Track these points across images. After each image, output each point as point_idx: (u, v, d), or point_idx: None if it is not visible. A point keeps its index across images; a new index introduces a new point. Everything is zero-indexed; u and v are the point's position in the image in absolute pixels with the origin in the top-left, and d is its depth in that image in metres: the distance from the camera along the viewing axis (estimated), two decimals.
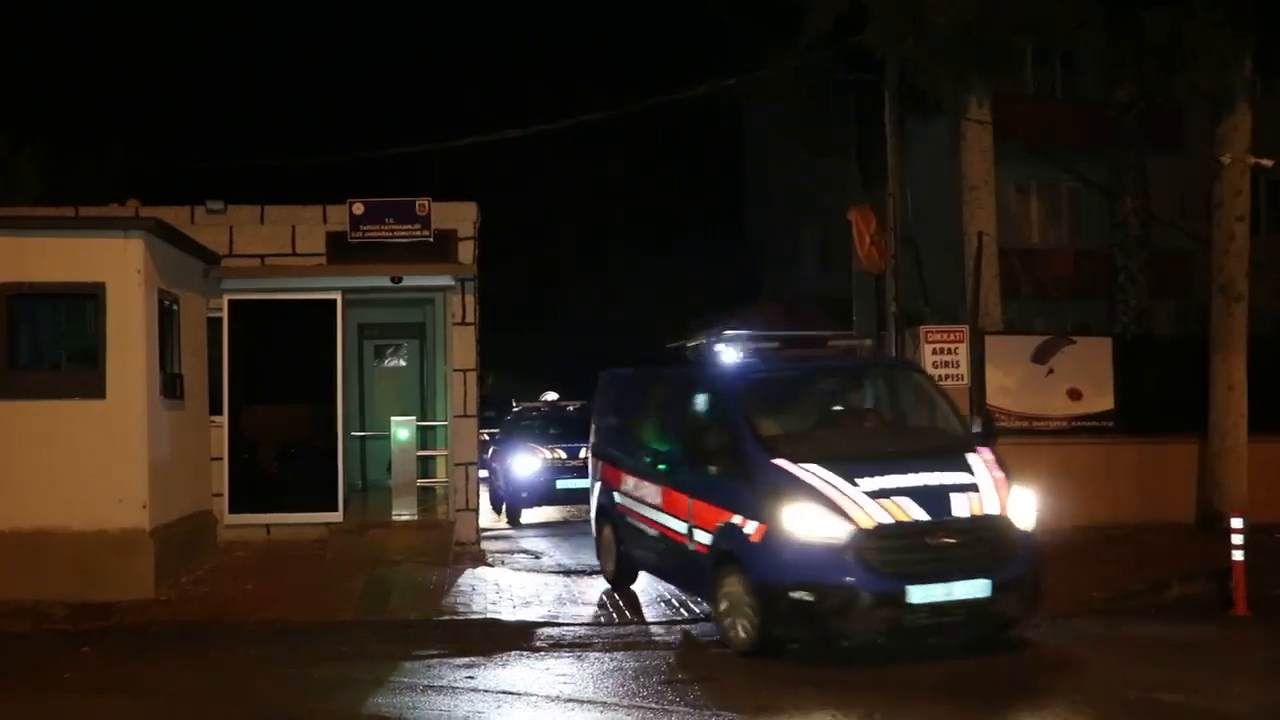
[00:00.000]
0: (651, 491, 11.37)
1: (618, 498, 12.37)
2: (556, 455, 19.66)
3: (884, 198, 16.93)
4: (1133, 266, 19.14)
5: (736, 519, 9.56)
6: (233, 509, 14.71)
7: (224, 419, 14.73)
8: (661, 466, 11.26)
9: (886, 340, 16.69)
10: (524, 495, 19.57)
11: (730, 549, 9.64)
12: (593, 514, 13.42)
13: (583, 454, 18.80)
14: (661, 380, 12.58)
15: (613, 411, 13.28)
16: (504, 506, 20.28)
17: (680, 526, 10.59)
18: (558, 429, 21.03)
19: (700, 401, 10.98)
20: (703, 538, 10.13)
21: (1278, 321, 22.87)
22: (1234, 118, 15.49)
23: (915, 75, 17.34)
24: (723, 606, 9.77)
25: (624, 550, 12.31)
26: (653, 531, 11.35)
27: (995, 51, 16.50)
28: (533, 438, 20.39)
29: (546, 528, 18.97)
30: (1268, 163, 15.55)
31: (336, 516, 14.75)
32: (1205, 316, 16.00)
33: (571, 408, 22.57)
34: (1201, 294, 16.89)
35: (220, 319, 14.83)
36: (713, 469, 10.03)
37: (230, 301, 14.79)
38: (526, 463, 19.60)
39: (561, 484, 19.37)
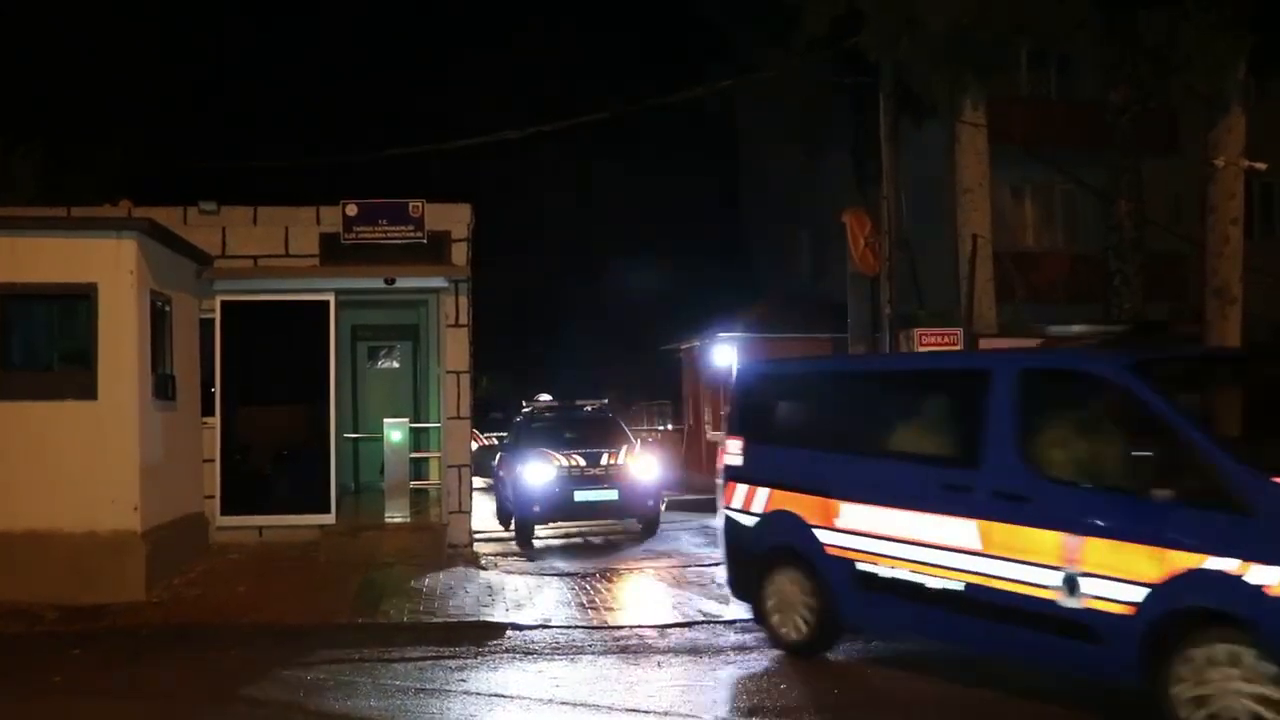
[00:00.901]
0: (944, 527, 8.31)
1: (826, 536, 9.30)
2: (574, 462, 17.21)
3: (879, 200, 16.93)
4: (1127, 270, 19.15)
5: (1223, 564, 6.78)
6: (224, 511, 14.67)
7: (216, 420, 14.69)
8: (971, 493, 8.21)
9: (880, 343, 16.69)
10: (536, 509, 17.06)
11: (1215, 607, 6.85)
12: (739, 558, 10.32)
13: (604, 461, 17.28)
14: (928, 374, 9.60)
15: (789, 418, 10.32)
16: (512, 521, 18.04)
17: (1039, 576, 7.68)
18: (574, 432, 18.53)
19: (1070, 401, 8.22)
20: (1113, 591, 7.27)
21: (1271, 325, 22.88)
22: (1228, 121, 15.52)
23: (910, 78, 17.37)
24: (1184, 693, 6.93)
25: (835, 604, 9.34)
26: (945, 584, 8.31)
27: (991, 54, 16.53)
28: (546, 442, 17.80)
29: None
30: (1261, 166, 15.58)
31: (329, 518, 14.71)
32: (1199, 320, 16.00)
33: (589, 407, 20.06)
34: (1196, 297, 16.91)
35: (213, 320, 14.80)
36: (1159, 494, 7.06)
37: (223, 303, 14.76)
38: (539, 471, 17.07)
39: (581, 496, 17.07)
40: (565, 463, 17.20)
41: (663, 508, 18.32)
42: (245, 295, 14.85)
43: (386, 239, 15.05)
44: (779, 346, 27.63)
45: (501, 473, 19.37)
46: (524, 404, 19.90)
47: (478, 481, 24.92)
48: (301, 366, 15.09)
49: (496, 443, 22.65)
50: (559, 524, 18.23)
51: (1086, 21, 17.15)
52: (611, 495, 17.20)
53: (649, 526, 17.74)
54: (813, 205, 28.80)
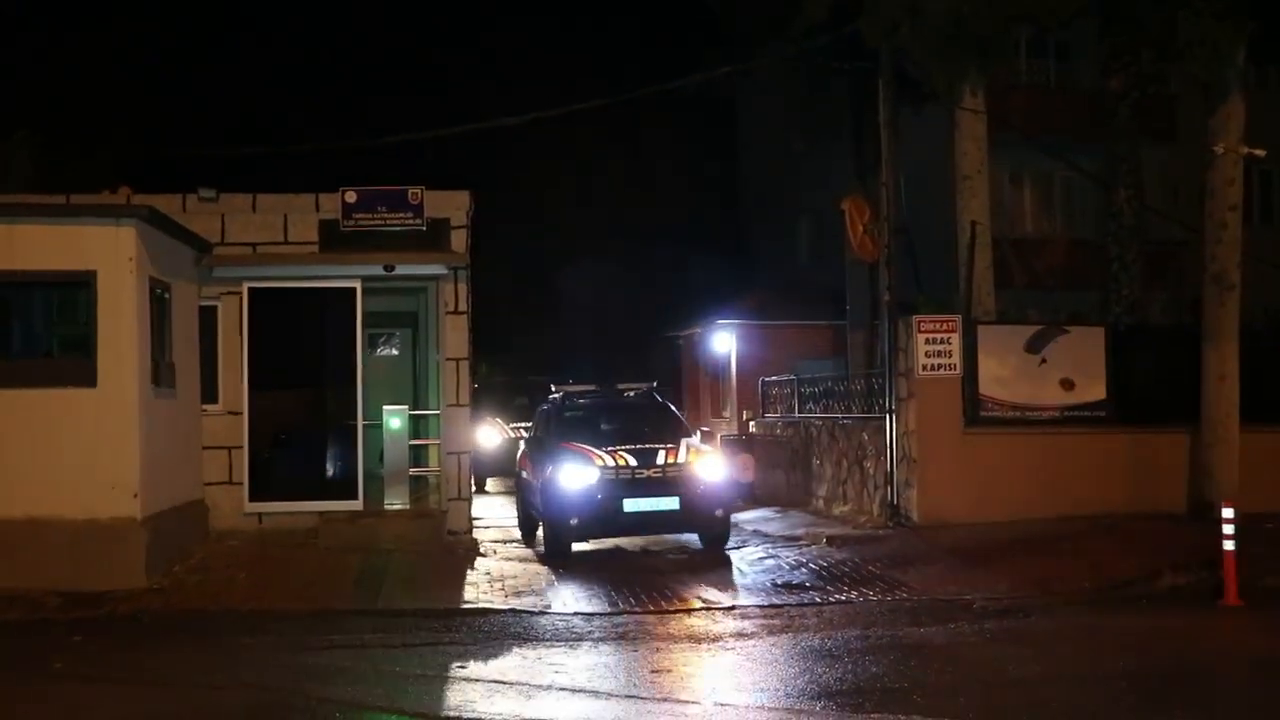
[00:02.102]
0: None
1: None
2: (622, 462, 13.96)
3: (878, 187, 16.93)
4: (1126, 256, 19.19)
5: None
6: (252, 497, 14.67)
7: (244, 407, 14.67)
8: None
9: (880, 330, 16.70)
10: (573, 522, 13.79)
11: None
12: None
13: (661, 460, 14.09)
14: None
15: None
16: (541, 533, 14.73)
17: None
18: (617, 422, 15.20)
19: None
20: None
21: (1270, 313, 22.91)
22: (1227, 107, 15.48)
23: (909, 65, 17.34)
24: None
25: None
26: None
27: (990, 41, 16.50)
28: (583, 436, 14.56)
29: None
30: (1260, 152, 15.54)
31: (356, 504, 14.73)
32: (1198, 307, 16.02)
33: (631, 392, 16.22)
34: (1194, 284, 16.94)
35: (214, 308, 14.80)
36: None
37: (250, 289, 14.75)
38: (576, 473, 13.82)
39: (632, 505, 13.80)
40: (611, 463, 13.92)
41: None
42: (271, 282, 14.82)
43: (386, 226, 15.04)
44: (778, 334, 27.69)
45: (525, 473, 15.98)
46: (552, 388, 16.52)
47: (492, 484, 23.20)
48: (325, 353, 15.13)
49: (524, 435, 19.55)
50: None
51: (1087, 7, 17.12)
52: (671, 504, 13.91)
53: (715, 542, 14.48)
54: (812, 192, 28.78)
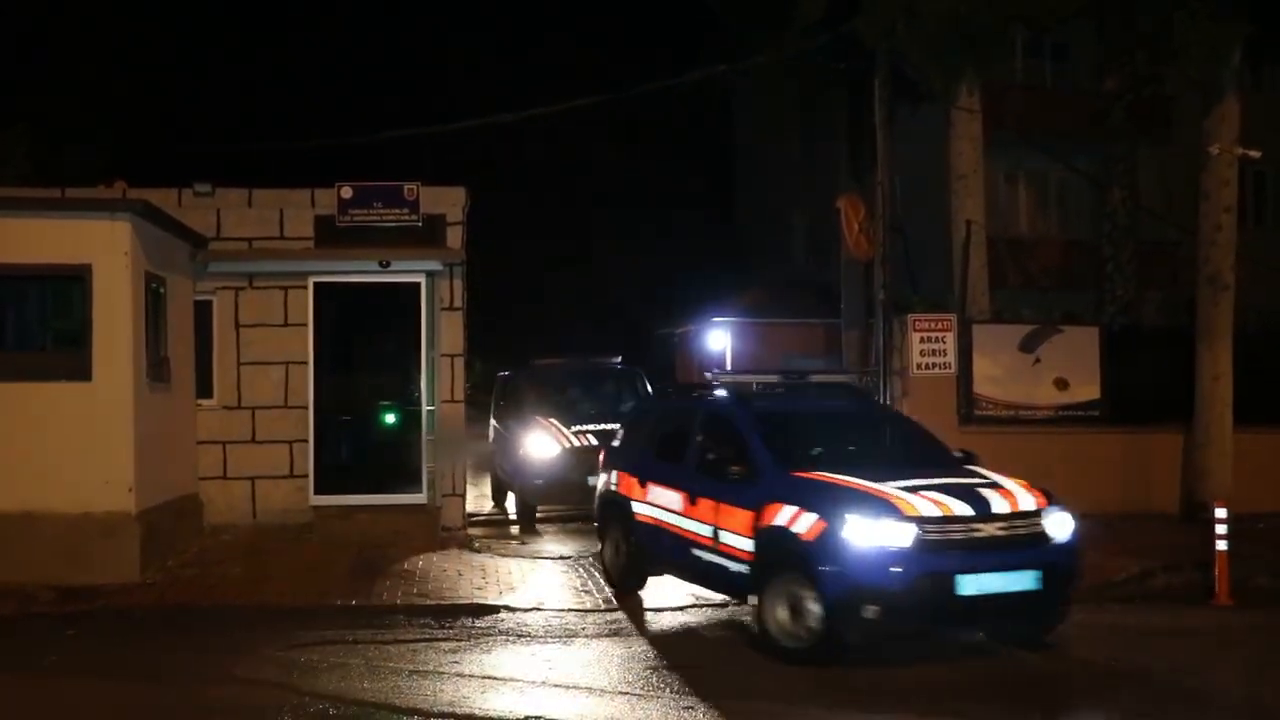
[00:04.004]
0: None
1: None
2: (945, 510, 8.71)
3: (873, 186, 16.96)
4: (1120, 257, 19.24)
5: None
6: (318, 490, 14.70)
7: (310, 400, 14.71)
8: None
9: (875, 329, 16.72)
10: (869, 612, 8.50)
11: None
12: None
13: (1002, 506, 8.93)
14: None
15: None
16: (797, 628, 8.96)
17: None
18: (853, 443, 10.43)
19: None
20: None
21: (1263, 314, 22.97)
22: (1222, 109, 15.53)
23: (905, 64, 17.36)
24: None
25: None
26: None
27: (986, 41, 16.54)
28: (838, 466, 9.47)
29: (558, 534, 12.37)
30: (1255, 154, 15.60)
31: (420, 497, 14.79)
32: (1192, 307, 16.07)
33: (846, 403, 11.59)
34: (1189, 285, 16.99)
35: (209, 302, 14.80)
36: None
37: (315, 284, 14.79)
38: (872, 530, 8.53)
39: (973, 584, 8.56)
40: (933, 512, 8.65)
41: None
42: (338, 277, 14.86)
43: (381, 222, 15.03)
44: (773, 331, 27.74)
45: (642, 506, 11.09)
46: (705, 374, 10.95)
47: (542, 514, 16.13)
48: (387, 348, 15.28)
49: (594, 442, 14.56)
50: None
51: (1085, 7, 17.15)
52: (1029, 581, 8.77)
53: (1047, 629, 9.41)
54: (808, 190, 28.82)
